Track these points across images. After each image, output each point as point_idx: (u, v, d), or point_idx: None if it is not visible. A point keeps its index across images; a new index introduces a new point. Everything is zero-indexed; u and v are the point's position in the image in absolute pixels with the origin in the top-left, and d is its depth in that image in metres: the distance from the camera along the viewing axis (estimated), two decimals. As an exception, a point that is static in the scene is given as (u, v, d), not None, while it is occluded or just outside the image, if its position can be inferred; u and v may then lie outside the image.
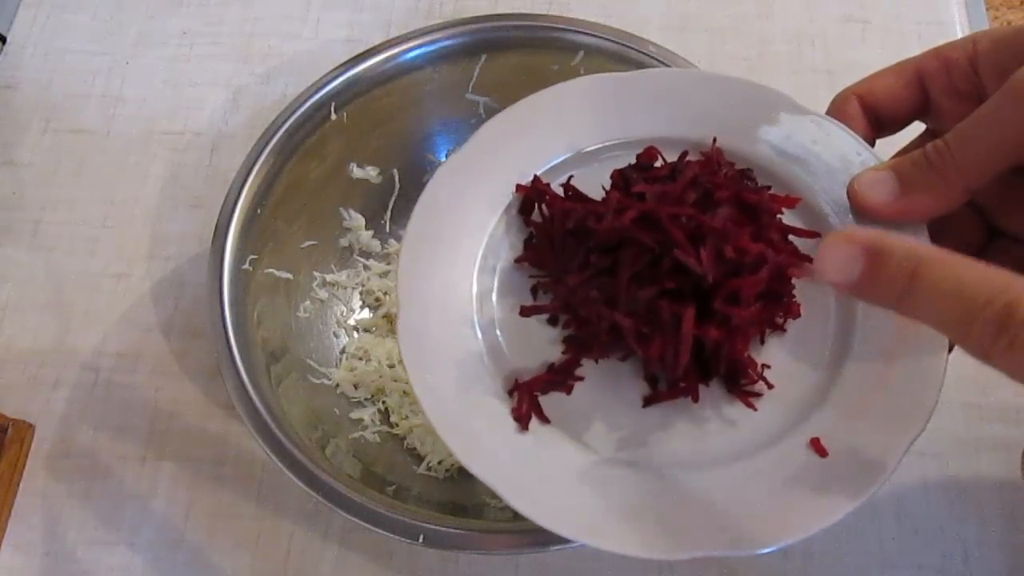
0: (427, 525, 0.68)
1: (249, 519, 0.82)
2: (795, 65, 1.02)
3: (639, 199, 0.56)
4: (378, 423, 0.85)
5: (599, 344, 0.57)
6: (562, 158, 0.64)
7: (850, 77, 0.63)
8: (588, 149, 0.64)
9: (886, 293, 0.47)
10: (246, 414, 0.72)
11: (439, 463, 0.83)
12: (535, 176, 0.62)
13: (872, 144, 0.61)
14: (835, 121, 0.61)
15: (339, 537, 0.81)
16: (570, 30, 0.86)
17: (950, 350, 0.55)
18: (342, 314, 0.91)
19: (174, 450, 0.85)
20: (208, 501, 0.83)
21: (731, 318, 0.54)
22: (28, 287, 0.93)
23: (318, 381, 0.85)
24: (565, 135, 0.64)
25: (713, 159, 0.60)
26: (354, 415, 0.85)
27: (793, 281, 0.58)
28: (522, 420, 0.56)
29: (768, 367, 0.57)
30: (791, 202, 0.59)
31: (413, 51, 0.87)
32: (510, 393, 0.57)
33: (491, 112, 0.64)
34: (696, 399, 0.56)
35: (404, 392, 0.87)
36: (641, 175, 0.59)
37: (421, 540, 0.67)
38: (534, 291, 0.61)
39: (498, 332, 0.59)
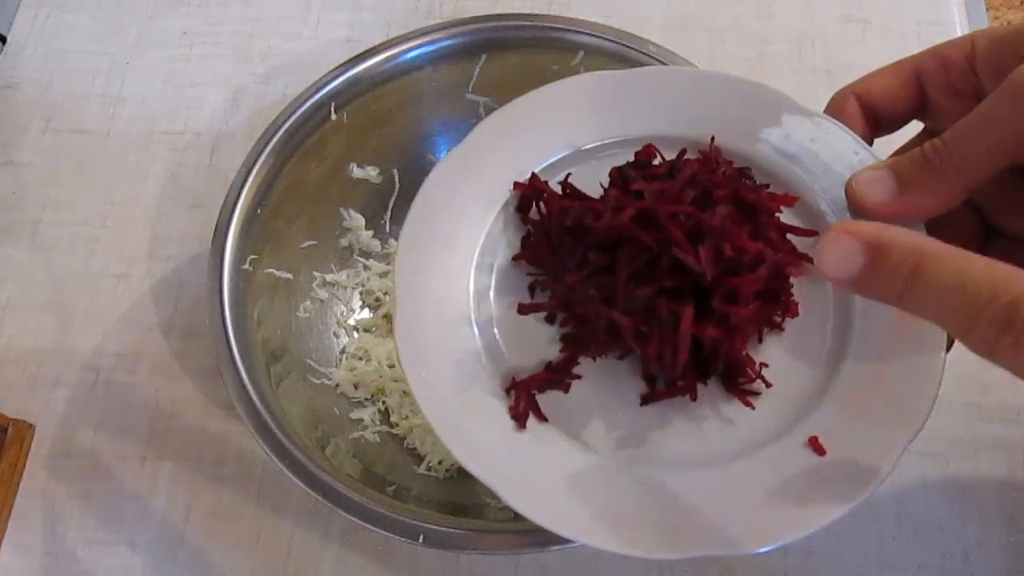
0: (427, 525, 0.68)
1: (249, 519, 0.82)
2: (795, 65, 1.02)
3: (637, 197, 0.56)
4: (378, 423, 0.85)
5: (597, 342, 0.57)
6: (560, 156, 0.64)
7: (850, 77, 0.62)
8: (586, 147, 0.64)
9: (888, 288, 0.47)
10: (246, 414, 0.72)
11: (439, 463, 0.83)
12: (533, 174, 0.62)
13: (870, 143, 0.61)
14: (833, 120, 0.61)
15: (339, 537, 0.81)
16: (570, 30, 0.86)
17: (948, 348, 0.55)
18: (342, 314, 0.91)
19: (174, 450, 0.85)
20: (208, 501, 0.83)
21: (729, 317, 0.54)
22: (28, 287, 0.93)
23: (318, 381, 0.85)
24: (563, 133, 0.64)
25: (711, 157, 0.61)
26: (354, 415, 0.85)
27: (791, 280, 0.58)
28: (520, 419, 0.56)
29: (766, 366, 0.57)
30: (789, 201, 0.59)
31: (413, 51, 0.87)
32: (508, 392, 0.57)
33: (491, 112, 0.64)
34: (694, 398, 0.56)
35: (404, 392, 0.87)
36: (639, 173, 0.59)
37: (421, 540, 0.67)
38: (532, 289, 0.61)
39: (496, 330, 0.59)
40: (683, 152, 0.61)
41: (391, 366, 0.88)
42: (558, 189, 0.62)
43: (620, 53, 0.84)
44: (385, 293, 0.92)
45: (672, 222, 0.54)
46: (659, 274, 0.54)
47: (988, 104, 0.53)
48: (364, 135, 0.89)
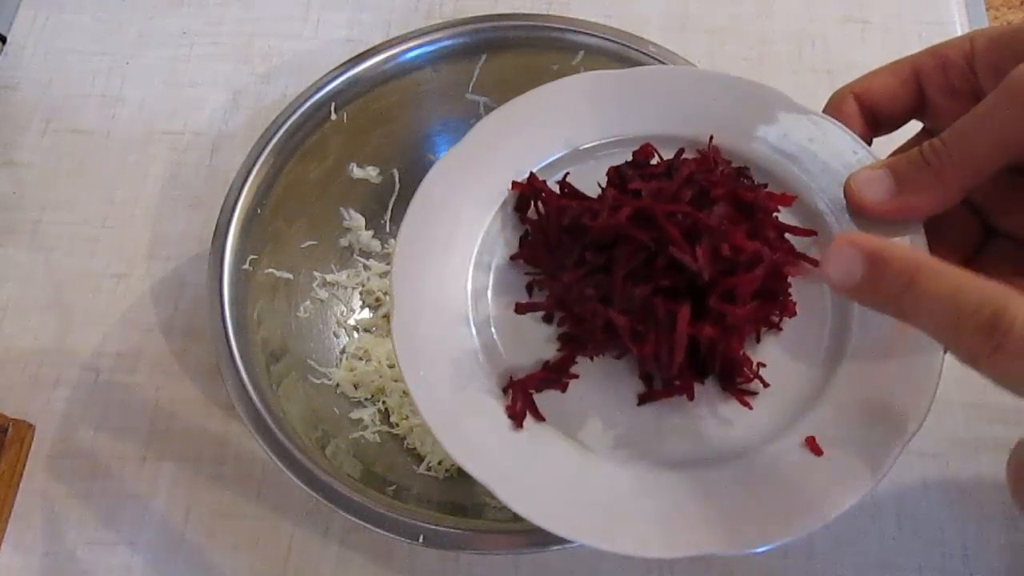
0: (427, 525, 0.68)
1: (249, 519, 0.82)
2: (795, 65, 1.02)
3: (635, 196, 0.56)
4: (378, 423, 0.85)
5: (594, 342, 0.57)
6: (558, 155, 0.64)
7: (850, 77, 0.63)
8: (584, 146, 0.64)
9: (885, 297, 0.48)
10: (246, 414, 0.72)
11: (439, 463, 0.83)
12: (531, 173, 0.62)
13: (869, 143, 0.61)
14: (832, 119, 0.61)
15: (339, 537, 0.81)
16: (570, 30, 0.86)
17: (946, 350, 0.55)
18: (342, 314, 0.91)
19: (174, 450, 0.85)
20: (208, 501, 0.83)
21: (726, 316, 0.53)
22: (28, 287, 0.93)
23: (318, 381, 0.85)
24: (562, 132, 0.64)
25: (709, 157, 0.61)
26: (354, 415, 0.85)
27: (790, 279, 0.58)
28: (517, 418, 0.56)
29: (764, 365, 0.57)
30: (787, 200, 0.59)
31: (413, 51, 0.87)
32: (505, 391, 0.57)
33: (491, 112, 0.64)
34: (691, 397, 0.56)
35: (404, 392, 0.86)
36: (637, 172, 0.59)
37: (421, 540, 0.67)
38: (529, 288, 0.61)
39: (493, 330, 0.59)
40: (681, 151, 0.61)
41: (391, 366, 0.88)
42: (556, 188, 0.62)
43: (620, 53, 0.84)
44: (385, 293, 0.92)
45: (669, 221, 0.54)
46: (656, 273, 0.54)
47: (987, 104, 0.53)
48: (364, 135, 0.89)
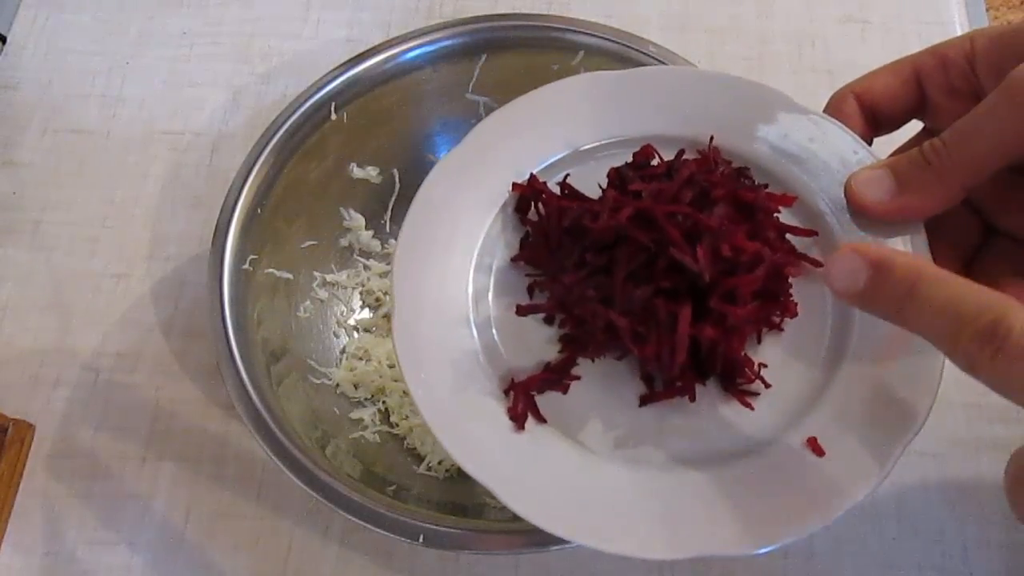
0: (427, 525, 0.68)
1: (249, 519, 0.82)
2: (795, 65, 1.02)
3: (635, 197, 0.56)
4: (378, 423, 0.85)
5: (595, 343, 0.57)
6: (559, 156, 0.64)
7: (850, 77, 0.63)
8: (585, 147, 0.64)
9: (886, 304, 0.49)
10: (246, 414, 0.72)
11: (439, 463, 0.83)
12: (531, 174, 0.62)
13: (869, 142, 0.61)
14: (832, 119, 0.61)
15: (339, 537, 0.81)
16: (570, 30, 0.86)
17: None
18: (342, 314, 0.91)
19: (174, 450, 0.85)
20: (208, 501, 0.83)
21: (727, 317, 0.53)
22: (28, 287, 0.93)
23: (318, 381, 0.85)
24: (562, 133, 0.64)
25: (710, 157, 0.61)
26: (354, 415, 0.85)
27: (791, 280, 0.58)
28: (518, 419, 0.56)
29: (765, 366, 0.57)
30: (788, 200, 0.59)
31: (413, 51, 0.87)
32: (506, 392, 0.57)
33: (491, 112, 0.64)
34: (693, 398, 0.56)
35: (404, 392, 0.86)
36: (637, 173, 0.59)
37: (421, 540, 0.67)
38: (530, 290, 0.61)
39: (494, 331, 0.59)
40: (681, 152, 0.61)
41: (391, 366, 0.88)
42: (557, 190, 0.62)
43: (620, 53, 0.84)
44: (385, 293, 0.92)
45: (670, 222, 0.54)
46: (657, 274, 0.54)
47: (987, 104, 0.53)
48: (364, 135, 0.89)
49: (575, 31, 0.86)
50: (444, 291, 0.59)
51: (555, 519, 0.53)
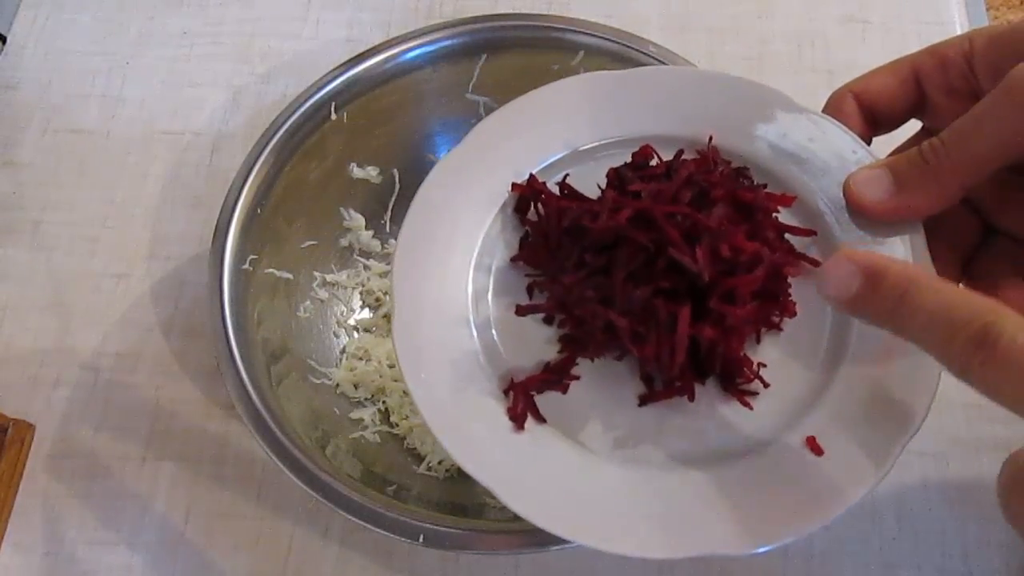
0: (427, 525, 0.68)
1: (249, 519, 0.82)
2: (795, 65, 1.02)
3: (634, 198, 0.56)
4: (378, 423, 0.85)
5: (595, 343, 0.57)
6: (558, 156, 0.64)
7: (850, 77, 0.63)
8: (584, 147, 0.64)
9: (879, 312, 0.49)
10: (246, 414, 0.72)
11: (439, 463, 0.83)
12: (531, 174, 0.62)
13: (868, 142, 0.61)
14: (831, 119, 0.61)
15: (339, 537, 0.81)
16: (570, 30, 0.86)
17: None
18: (342, 314, 0.91)
19: (174, 450, 0.85)
20: (208, 501, 0.83)
21: (726, 317, 0.53)
22: (28, 287, 0.93)
23: (318, 381, 0.85)
24: (561, 133, 0.64)
25: (709, 157, 0.61)
26: (354, 415, 0.85)
27: (790, 280, 0.58)
28: (518, 419, 0.56)
29: (764, 366, 0.57)
30: (787, 200, 0.59)
31: (413, 51, 0.87)
32: (506, 392, 0.57)
33: (490, 112, 0.64)
34: (692, 398, 0.56)
35: (404, 392, 0.86)
36: (637, 173, 0.59)
37: (421, 540, 0.67)
38: (530, 290, 0.61)
39: (494, 331, 0.59)
40: (680, 152, 0.61)
41: (391, 366, 0.88)
42: (556, 190, 0.62)
43: (620, 53, 0.84)
44: (385, 293, 0.92)
45: (669, 223, 0.54)
46: (656, 275, 0.54)
47: (986, 103, 0.53)
48: (364, 135, 0.89)
49: (575, 31, 0.86)
50: (444, 291, 0.59)
51: (555, 519, 0.53)
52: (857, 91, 0.61)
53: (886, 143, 0.63)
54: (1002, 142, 0.52)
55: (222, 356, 0.74)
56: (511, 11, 0.90)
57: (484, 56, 0.88)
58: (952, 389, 0.81)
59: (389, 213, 0.94)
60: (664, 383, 0.57)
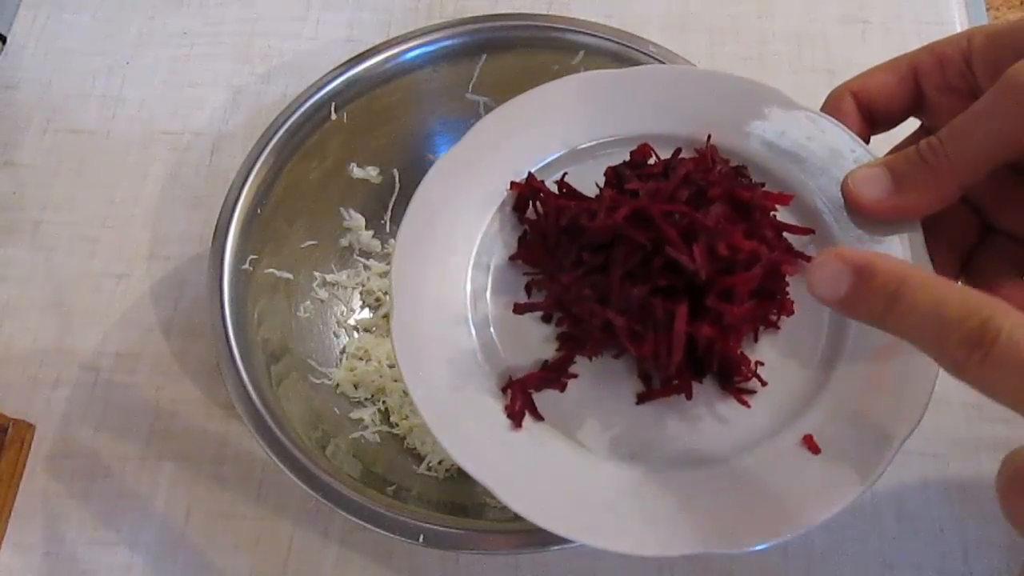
0: (427, 525, 0.68)
1: (249, 519, 0.82)
2: (795, 65, 1.02)
3: (632, 196, 0.56)
4: (378, 423, 0.85)
5: (593, 342, 0.57)
6: (556, 155, 0.64)
7: (850, 77, 0.63)
8: (582, 146, 0.64)
9: (870, 310, 0.48)
10: (246, 414, 0.72)
11: (439, 463, 0.83)
12: (529, 173, 0.62)
13: (867, 140, 0.61)
14: (829, 117, 0.61)
15: (339, 537, 0.81)
16: (570, 30, 0.86)
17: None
18: (342, 314, 0.91)
19: (174, 450, 0.85)
20: (208, 501, 0.83)
21: (724, 315, 0.53)
22: (28, 287, 0.93)
23: (318, 381, 0.85)
24: (559, 132, 0.64)
25: (707, 156, 0.61)
26: (354, 415, 0.85)
27: (787, 278, 0.57)
28: (516, 417, 0.56)
29: (762, 364, 0.57)
30: (784, 199, 0.59)
31: (413, 51, 0.87)
32: (504, 391, 0.57)
33: (490, 111, 0.64)
34: (689, 396, 0.56)
35: (404, 392, 0.86)
36: (634, 172, 0.59)
37: (421, 540, 0.67)
38: (528, 289, 0.61)
39: (492, 330, 0.59)
40: (678, 151, 0.61)
41: (391, 366, 0.88)
42: (554, 188, 0.62)
43: (620, 53, 0.84)
44: (385, 293, 0.92)
45: (666, 221, 0.54)
46: (654, 273, 0.54)
47: (984, 101, 0.53)
48: (364, 135, 0.89)
49: (575, 31, 0.86)
50: (442, 290, 0.60)
51: (553, 517, 0.53)
52: (855, 89, 0.61)
53: (884, 142, 0.63)
54: (1001, 140, 0.52)
55: (222, 356, 0.74)
56: (511, 11, 0.90)
57: (484, 56, 0.88)
58: (951, 389, 0.82)
59: (389, 213, 0.94)
60: (662, 381, 0.56)
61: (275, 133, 0.82)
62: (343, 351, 0.90)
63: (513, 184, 0.62)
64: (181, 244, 0.95)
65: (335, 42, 1.06)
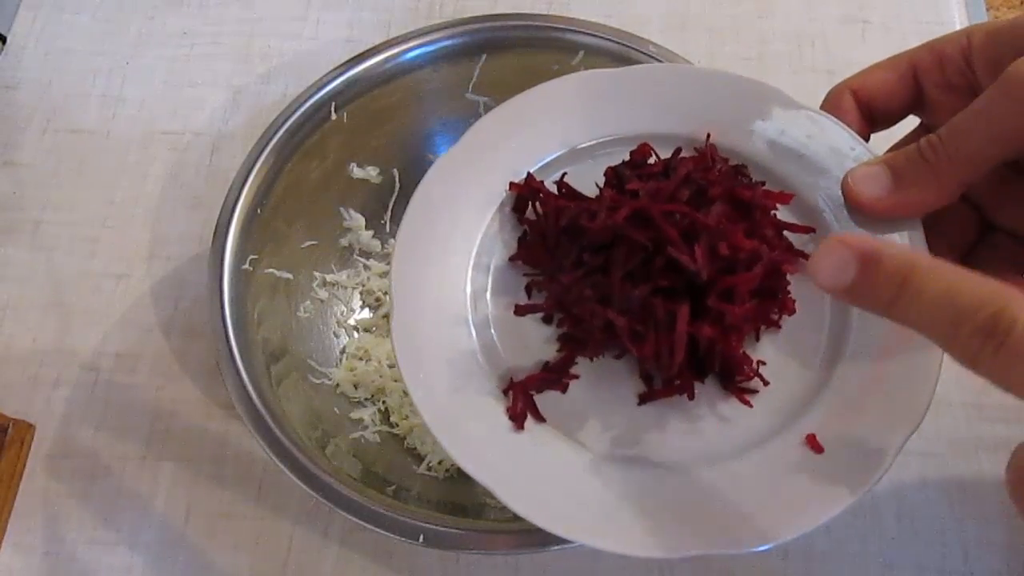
0: (427, 525, 0.68)
1: (249, 519, 0.82)
2: (795, 65, 1.02)
3: (632, 196, 0.56)
4: (378, 423, 0.85)
5: (594, 342, 0.57)
6: (556, 155, 0.64)
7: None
8: (582, 146, 0.64)
9: (878, 298, 0.47)
10: (246, 414, 0.72)
11: (439, 463, 0.83)
12: (529, 173, 0.62)
13: (866, 139, 0.61)
14: (829, 116, 0.61)
15: (339, 537, 0.81)
16: (570, 30, 0.86)
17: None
18: (342, 314, 0.91)
19: (174, 450, 0.85)
20: (208, 501, 0.83)
21: (725, 315, 0.53)
22: (28, 287, 0.93)
23: (318, 381, 0.85)
24: (559, 132, 0.64)
25: (707, 155, 0.61)
26: (354, 415, 0.85)
27: (788, 277, 0.57)
28: (517, 419, 0.56)
29: (763, 364, 0.57)
30: (785, 198, 0.59)
31: (413, 51, 0.87)
32: (505, 392, 0.57)
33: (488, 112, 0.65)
34: (691, 397, 0.56)
35: (404, 392, 0.86)
36: (634, 172, 0.59)
37: (421, 540, 0.67)
38: (528, 289, 0.61)
39: (492, 331, 0.59)
40: (678, 151, 0.61)
41: (391, 366, 0.88)
42: (554, 189, 0.61)
43: (620, 53, 0.84)
44: (385, 293, 0.92)
45: (667, 221, 0.54)
46: (654, 273, 0.54)
47: (984, 99, 0.53)
48: (364, 135, 0.89)
49: (575, 31, 0.86)
50: (442, 291, 0.59)
51: (553, 518, 0.52)
52: (855, 87, 0.61)
53: (884, 140, 0.63)
54: (1000, 138, 0.52)
55: (222, 356, 0.74)
56: (511, 11, 0.90)
57: (484, 56, 0.88)
58: (952, 389, 0.82)
59: (389, 213, 0.94)
60: (663, 382, 0.57)
61: (275, 133, 0.82)
62: (343, 351, 0.90)
63: (512, 185, 0.62)
64: (181, 244, 0.95)
65: (335, 42, 1.06)
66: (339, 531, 0.81)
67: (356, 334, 0.91)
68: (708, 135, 0.62)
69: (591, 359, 0.58)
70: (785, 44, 1.03)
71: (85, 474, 0.84)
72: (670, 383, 0.56)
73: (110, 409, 0.87)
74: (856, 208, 0.58)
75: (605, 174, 0.60)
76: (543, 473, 0.55)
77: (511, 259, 0.61)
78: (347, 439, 0.82)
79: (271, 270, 0.83)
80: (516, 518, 0.53)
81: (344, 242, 0.92)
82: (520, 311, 0.60)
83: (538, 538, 0.67)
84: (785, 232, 0.59)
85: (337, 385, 0.87)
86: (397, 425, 0.86)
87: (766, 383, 0.56)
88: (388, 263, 0.91)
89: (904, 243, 0.57)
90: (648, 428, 0.56)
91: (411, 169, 0.92)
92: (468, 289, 0.60)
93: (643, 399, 0.57)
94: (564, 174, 0.62)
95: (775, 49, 1.03)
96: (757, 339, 0.58)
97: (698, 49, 1.03)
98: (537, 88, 0.65)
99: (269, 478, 0.83)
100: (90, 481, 0.84)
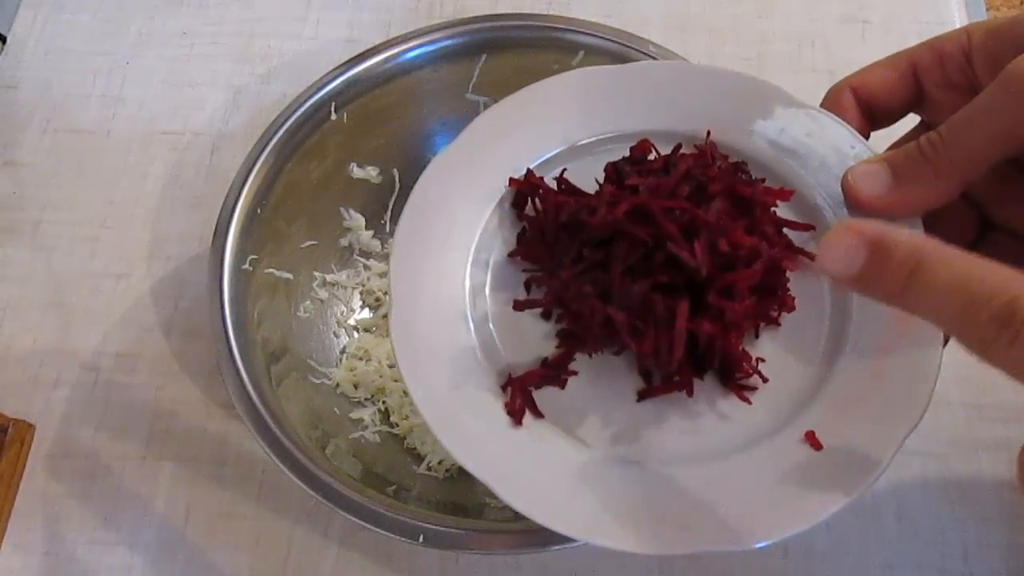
0: (427, 525, 0.68)
1: (249, 519, 0.82)
2: (795, 65, 1.02)
3: (632, 192, 0.56)
4: (378, 423, 0.85)
5: (593, 338, 0.57)
6: (555, 151, 0.64)
7: (850, 76, 0.63)
8: (581, 142, 0.64)
9: (887, 287, 0.46)
10: (246, 414, 0.72)
11: (439, 463, 0.83)
12: (528, 170, 0.62)
13: (867, 137, 0.61)
14: (829, 113, 0.61)
15: (339, 537, 0.81)
16: (570, 30, 0.86)
17: (945, 343, 0.55)
18: (342, 314, 0.91)
19: (174, 450, 0.85)
20: (208, 501, 0.83)
21: (725, 312, 0.53)
22: (28, 287, 0.93)
23: (318, 381, 0.85)
24: (558, 128, 0.64)
25: (707, 152, 0.61)
26: (354, 415, 0.85)
27: (788, 274, 0.57)
28: (516, 415, 0.56)
29: (763, 360, 0.57)
30: (785, 195, 0.59)
31: (413, 51, 0.87)
32: (504, 388, 0.57)
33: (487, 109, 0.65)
34: (690, 393, 0.56)
35: (404, 392, 0.86)
36: (634, 168, 0.59)
37: (421, 540, 0.67)
38: (527, 285, 0.61)
39: (491, 327, 0.59)
40: (678, 147, 0.61)
41: (391, 366, 0.88)
42: (553, 185, 0.61)
43: (620, 53, 0.84)
44: (385, 293, 0.92)
45: (667, 217, 0.54)
46: (654, 270, 0.54)
47: (984, 97, 0.53)
48: (364, 135, 0.89)
49: (575, 31, 0.86)
50: (441, 287, 0.59)
51: (553, 515, 0.52)
52: (855, 85, 0.61)
53: (885, 138, 0.63)
54: (1001, 136, 0.52)
55: (222, 356, 0.74)
56: (511, 11, 0.90)
57: (484, 56, 0.88)
58: (952, 389, 0.82)
59: (389, 213, 0.94)
60: (662, 378, 0.56)
61: (275, 133, 0.82)
62: (343, 351, 0.90)
63: (511, 181, 0.62)
64: (181, 244, 0.95)
65: (335, 42, 1.06)
66: (339, 531, 0.81)
67: (356, 334, 0.91)
68: (708, 132, 0.62)
69: (590, 355, 0.58)
70: (785, 44, 1.03)
71: (85, 474, 0.84)
72: (669, 379, 0.56)
73: (110, 409, 0.87)
74: (856, 206, 0.58)
75: (605, 170, 0.60)
76: (543, 470, 0.55)
77: (510, 255, 0.61)
78: (347, 439, 0.82)
79: (271, 270, 0.83)
80: (516, 518, 0.53)
81: (344, 242, 0.92)
82: (519, 307, 0.60)
83: (538, 538, 0.67)
84: (785, 229, 0.59)
85: (337, 385, 0.87)
86: (397, 425, 0.86)
87: (765, 380, 0.56)
88: (388, 263, 0.91)
89: None
90: (647, 425, 0.56)
91: (411, 169, 0.92)
92: (467, 286, 0.60)
93: (642, 395, 0.57)
94: (564, 170, 0.62)
95: (775, 49, 1.03)
96: (756, 336, 0.58)
97: (698, 49, 1.03)
98: (536, 84, 0.65)
99: (269, 478, 0.83)
100: (90, 481, 0.84)
